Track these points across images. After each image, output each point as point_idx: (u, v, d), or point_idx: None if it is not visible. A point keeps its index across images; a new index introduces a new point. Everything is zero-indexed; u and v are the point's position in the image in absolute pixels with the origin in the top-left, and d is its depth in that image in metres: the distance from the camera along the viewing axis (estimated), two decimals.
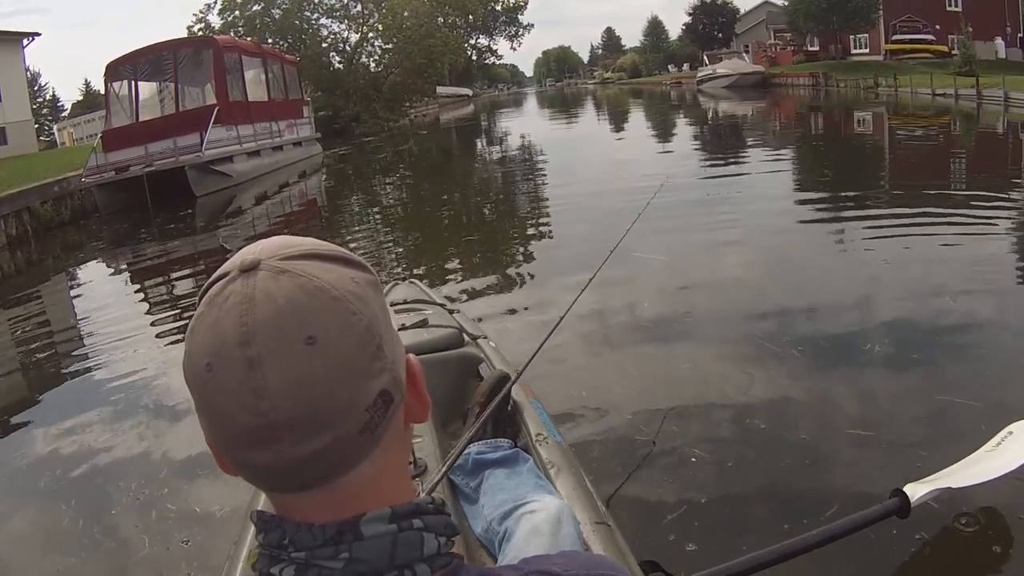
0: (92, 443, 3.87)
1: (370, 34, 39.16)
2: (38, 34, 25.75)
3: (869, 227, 6.66)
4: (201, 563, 2.64)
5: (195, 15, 36.52)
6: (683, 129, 23.52)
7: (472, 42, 65.06)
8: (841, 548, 2.12)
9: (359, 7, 38.92)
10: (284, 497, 0.56)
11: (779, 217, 7.53)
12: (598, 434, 3.24)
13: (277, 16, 36.26)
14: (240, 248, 0.58)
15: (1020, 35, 33.53)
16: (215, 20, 35.44)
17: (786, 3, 41.77)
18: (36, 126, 31.51)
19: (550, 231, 8.43)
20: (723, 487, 2.75)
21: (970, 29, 28.39)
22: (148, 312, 6.92)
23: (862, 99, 26.83)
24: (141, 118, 18.18)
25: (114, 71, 18.62)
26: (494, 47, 71.25)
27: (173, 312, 6.63)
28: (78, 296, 8.73)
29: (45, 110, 52.10)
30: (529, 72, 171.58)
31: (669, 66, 73.79)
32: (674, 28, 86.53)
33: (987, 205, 7.36)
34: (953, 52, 30.29)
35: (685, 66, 65.81)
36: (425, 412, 0.61)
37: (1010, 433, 2.48)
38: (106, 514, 3.10)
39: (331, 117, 34.08)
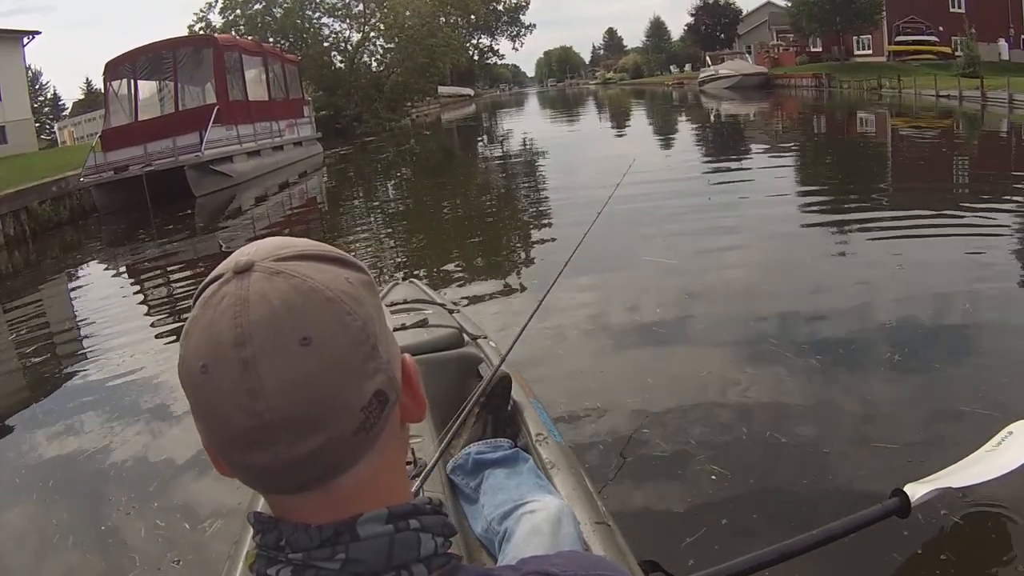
0: (91, 443, 3.87)
1: (372, 33, 39.18)
2: (38, 32, 25.81)
3: (871, 229, 6.67)
4: (201, 563, 2.64)
5: (196, 14, 36.56)
6: (685, 130, 23.51)
7: (474, 42, 65.05)
8: (841, 548, 2.12)
9: (361, 6, 38.90)
10: (281, 498, 0.56)
11: (782, 220, 7.53)
12: (598, 434, 3.24)
13: (278, 15, 36.26)
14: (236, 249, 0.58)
15: (1023, 37, 33.52)
16: (216, 19, 35.54)
17: (789, 4, 41.78)
18: (37, 125, 31.55)
19: (551, 231, 8.43)
20: (723, 487, 2.75)
21: (973, 31, 28.39)
22: (147, 314, 6.90)
23: (866, 100, 26.81)
24: (140, 117, 18.07)
25: (113, 70, 18.50)
26: (496, 47, 71.29)
27: (171, 313, 6.62)
28: (75, 297, 8.70)
29: (46, 109, 52.17)
30: (531, 72, 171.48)
31: (671, 67, 73.73)
32: (676, 29, 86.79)
33: (991, 207, 7.37)
34: (956, 54, 30.29)
35: (687, 67, 65.80)
36: (421, 412, 0.61)
37: (1010, 433, 2.48)
38: (105, 514, 3.10)
39: (332, 117, 34.07)
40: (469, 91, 79.91)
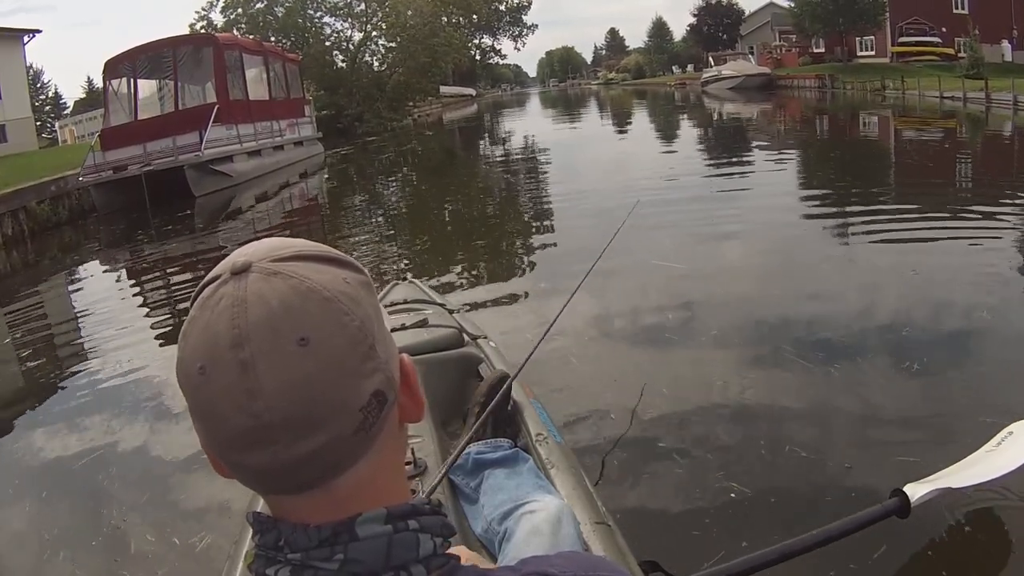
0: (90, 444, 3.86)
1: (373, 33, 39.15)
2: (39, 31, 25.80)
3: (875, 232, 6.65)
4: (201, 563, 2.64)
5: (197, 13, 36.49)
6: (688, 131, 23.49)
7: (476, 42, 65.05)
8: (841, 548, 2.11)
9: (362, 6, 38.85)
10: (280, 499, 0.56)
11: (784, 222, 7.52)
12: (598, 434, 3.24)
13: (280, 14, 36.23)
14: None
15: None
16: (218, 18, 35.49)
17: (792, 4, 41.73)
18: (38, 124, 31.54)
19: (552, 232, 8.43)
20: (724, 487, 2.75)
21: (977, 32, 28.36)
22: (146, 315, 6.88)
23: (869, 102, 26.77)
24: (140, 116, 17.93)
25: (113, 68, 18.36)
26: (498, 47, 71.43)
27: (170, 314, 6.59)
28: (74, 297, 8.66)
29: (48, 108, 52.19)
30: (532, 72, 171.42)
31: (673, 67, 73.73)
32: (679, 29, 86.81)
33: (994, 209, 7.35)
34: (960, 55, 30.26)
35: (689, 67, 65.79)
36: (420, 412, 0.61)
37: (1010, 433, 2.48)
38: (104, 514, 3.10)
39: (333, 116, 34.03)
40: (471, 91, 79.87)
